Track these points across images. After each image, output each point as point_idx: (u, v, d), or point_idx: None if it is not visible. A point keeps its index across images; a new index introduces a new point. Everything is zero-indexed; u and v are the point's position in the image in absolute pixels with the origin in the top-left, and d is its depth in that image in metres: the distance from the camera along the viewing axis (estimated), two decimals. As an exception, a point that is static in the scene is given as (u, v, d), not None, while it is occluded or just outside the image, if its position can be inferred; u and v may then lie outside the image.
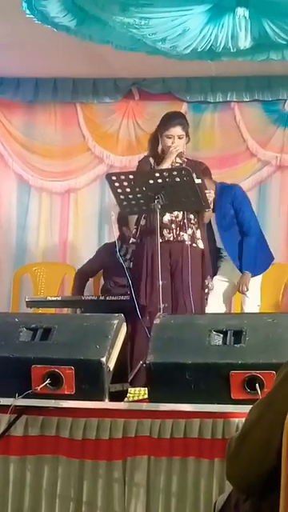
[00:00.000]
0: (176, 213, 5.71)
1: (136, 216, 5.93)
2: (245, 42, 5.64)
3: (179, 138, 5.79)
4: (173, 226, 5.69)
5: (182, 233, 5.69)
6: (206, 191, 5.70)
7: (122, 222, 6.94)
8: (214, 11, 5.42)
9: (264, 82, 7.87)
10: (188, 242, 5.68)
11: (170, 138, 5.78)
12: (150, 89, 8.06)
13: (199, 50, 5.80)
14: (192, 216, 5.76)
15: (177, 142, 5.76)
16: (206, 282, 5.84)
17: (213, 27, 5.54)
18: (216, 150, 7.89)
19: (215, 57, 6.24)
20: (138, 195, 5.41)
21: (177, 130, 5.80)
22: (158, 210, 5.35)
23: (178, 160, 5.80)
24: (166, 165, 5.70)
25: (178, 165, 5.75)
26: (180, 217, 5.71)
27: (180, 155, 5.79)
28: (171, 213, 5.69)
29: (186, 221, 5.70)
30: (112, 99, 8.15)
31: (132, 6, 5.31)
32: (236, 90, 7.94)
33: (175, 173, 5.39)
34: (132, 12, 5.33)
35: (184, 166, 5.73)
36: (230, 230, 6.49)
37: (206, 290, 5.94)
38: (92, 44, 6.21)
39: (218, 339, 3.56)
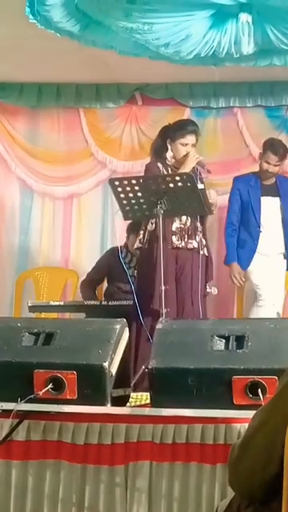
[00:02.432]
0: (184, 220, 5.72)
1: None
2: (248, 48, 5.65)
3: (193, 146, 5.81)
4: (182, 233, 5.70)
5: (190, 240, 5.71)
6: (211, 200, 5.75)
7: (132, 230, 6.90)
8: (217, 17, 5.42)
9: (267, 88, 7.87)
10: (197, 249, 5.70)
11: (184, 145, 5.79)
12: (153, 94, 8.06)
13: (202, 55, 5.80)
14: (199, 224, 5.77)
15: (191, 150, 5.77)
16: (208, 287, 5.86)
17: (216, 33, 5.54)
18: (219, 155, 7.88)
19: (218, 62, 6.25)
20: (141, 200, 5.41)
21: (192, 138, 5.82)
22: (161, 216, 5.36)
23: (197, 169, 5.82)
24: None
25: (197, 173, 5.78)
26: (188, 224, 5.73)
27: (201, 164, 5.81)
28: (180, 220, 5.70)
29: (194, 228, 5.72)
30: (115, 104, 8.16)
31: (135, 12, 5.32)
32: (239, 96, 7.95)
33: (178, 178, 5.40)
34: (135, 17, 5.34)
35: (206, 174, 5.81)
36: None
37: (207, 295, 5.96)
38: (95, 49, 6.21)
39: (220, 344, 3.56)
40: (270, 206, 6.73)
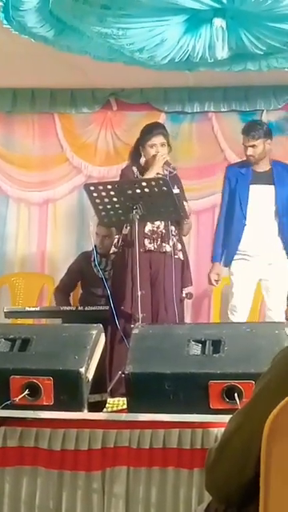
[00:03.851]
0: (157, 223, 5.73)
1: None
2: (222, 53, 5.66)
3: (162, 145, 5.85)
4: (154, 236, 5.72)
5: (164, 244, 5.72)
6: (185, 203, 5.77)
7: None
8: (192, 22, 5.43)
9: (241, 93, 7.90)
10: (170, 253, 5.70)
11: (152, 147, 5.84)
12: (128, 99, 8.07)
13: (177, 60, 5.82)
14: (173, 227, 5.79)
15: (161, 150, 5.82)
16: (184, 292, 5.86)
17: (190, 37, 5.56)
18: (194, 160, 7.90)
19: (193, 67, 6.26)
20: (117, 205, 5.42)
21: (159, 139, 5.87)
22: (137, 221, 5.36)
23: (166, 169, 5.86)
24: (154, 172, 5.80)
25: (166, 174, 5.81)
26: (161, 227, 5.74)
27: (168, 163, 5.86)
28: (152, 223, 5.72)
29: (167, 231, 5.73)
30: (90, 110, 8.15)
31: (109, 17, 5.32)
32: (213, 101, 7.97)
33: (153, 183, 5.41)
34: (109, 22, 5.34)
35: (173, 175, 5.82)
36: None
37: (184, 301, 5.97)
38: (70, 54, 6.21)
39: (196, 349, 3.57)
40: (260, 195, 6.08)
